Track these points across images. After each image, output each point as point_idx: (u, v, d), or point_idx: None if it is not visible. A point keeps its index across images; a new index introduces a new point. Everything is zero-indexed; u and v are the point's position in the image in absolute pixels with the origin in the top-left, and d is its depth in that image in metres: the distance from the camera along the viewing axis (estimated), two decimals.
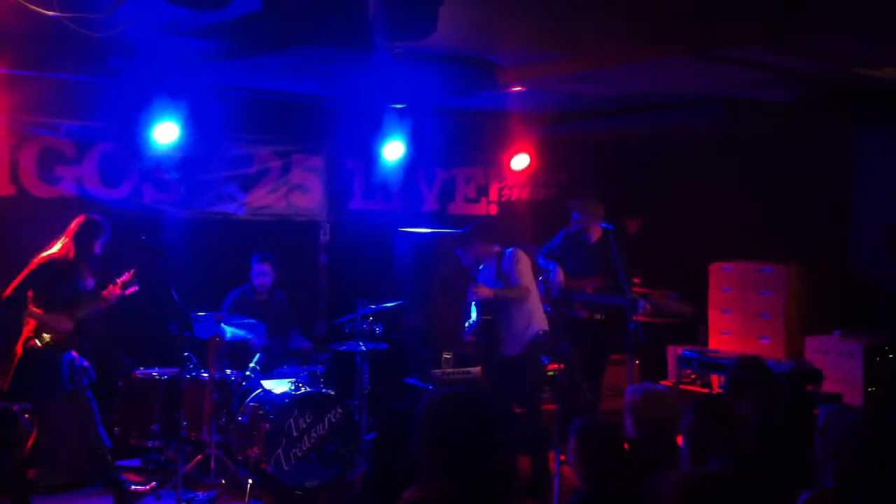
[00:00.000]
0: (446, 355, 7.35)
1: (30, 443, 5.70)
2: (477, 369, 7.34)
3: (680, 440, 3.75)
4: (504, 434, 2.76)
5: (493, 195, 9.03)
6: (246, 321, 6.69)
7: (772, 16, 4.70)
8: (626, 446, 3.71)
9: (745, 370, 4.76)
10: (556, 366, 7.47)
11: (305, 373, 6.82)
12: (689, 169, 8.63)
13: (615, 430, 3.58)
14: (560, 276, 7.04)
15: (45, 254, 5.70)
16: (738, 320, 7.99)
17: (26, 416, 6.12)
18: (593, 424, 3.49)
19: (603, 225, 6.90)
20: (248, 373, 6.68)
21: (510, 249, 6.78)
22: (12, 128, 6.37)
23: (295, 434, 6.24)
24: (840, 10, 4.59)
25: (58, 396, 5.70)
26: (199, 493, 6.09)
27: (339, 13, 4.03)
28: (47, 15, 4.04)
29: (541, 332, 6.63)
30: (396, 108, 7.58)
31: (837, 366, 7.04)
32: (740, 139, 8.29)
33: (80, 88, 6.33)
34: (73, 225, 5.77)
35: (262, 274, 7.20)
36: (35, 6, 4.00)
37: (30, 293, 5.61)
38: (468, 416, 2.68)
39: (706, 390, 7.68)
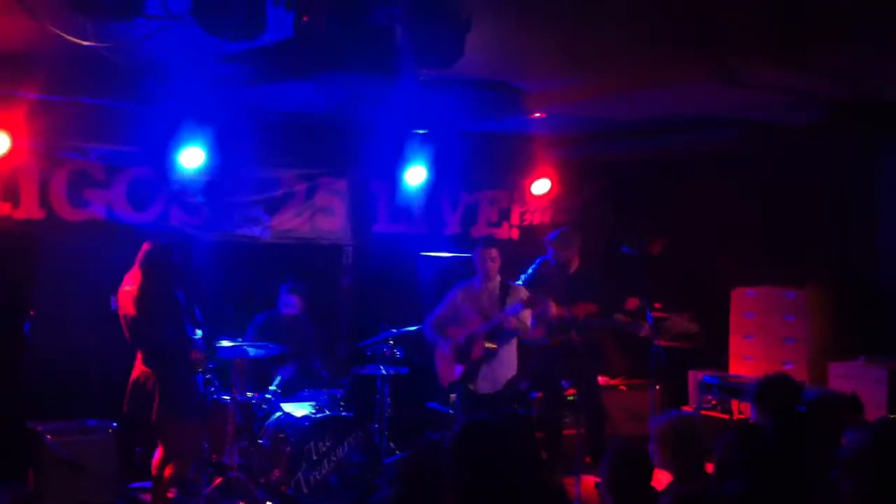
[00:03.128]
0: None
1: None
2: None
3: (710, 468, 3.75)
4: (524, 455, 2.78)
5: (515, 219, 9.03)
6: (267, 345, 6.71)
7: (787, 32, 4.71)
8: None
9: (770, 387, 4.73)
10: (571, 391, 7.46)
11: (326, 396, 6.83)
12: (709, 189, 8.54)
13: (645, 457, 3.58)
14: (553, 309, 6.99)
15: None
16: (761, 345, 7.92)
17: (48, 436, 6.19)
18: (625, 450, 3.50)
19: (624, 249, 6.90)
20: (268, 395, 6.70)
21: (518, 284, 6.81)
22: (43, 151, 6.44)
23: (315, 457, 6.25)
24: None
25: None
26: None
27: (369, 40, 4.09)
28: (81, 43, 4.11)
29: (512, 378, 6.65)
30: (420, 133, 7.62)
31: (862, 392, 6.92)
32: (762, 159, 8.20)
33: (109, 113, 6.39)
34: (140, 254, 5.81)
35: (290, 305, 7.24)
36: (70, 36, 4.07)
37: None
38: (489, 441, 2.71)
39: (727, 416, 7.62)
